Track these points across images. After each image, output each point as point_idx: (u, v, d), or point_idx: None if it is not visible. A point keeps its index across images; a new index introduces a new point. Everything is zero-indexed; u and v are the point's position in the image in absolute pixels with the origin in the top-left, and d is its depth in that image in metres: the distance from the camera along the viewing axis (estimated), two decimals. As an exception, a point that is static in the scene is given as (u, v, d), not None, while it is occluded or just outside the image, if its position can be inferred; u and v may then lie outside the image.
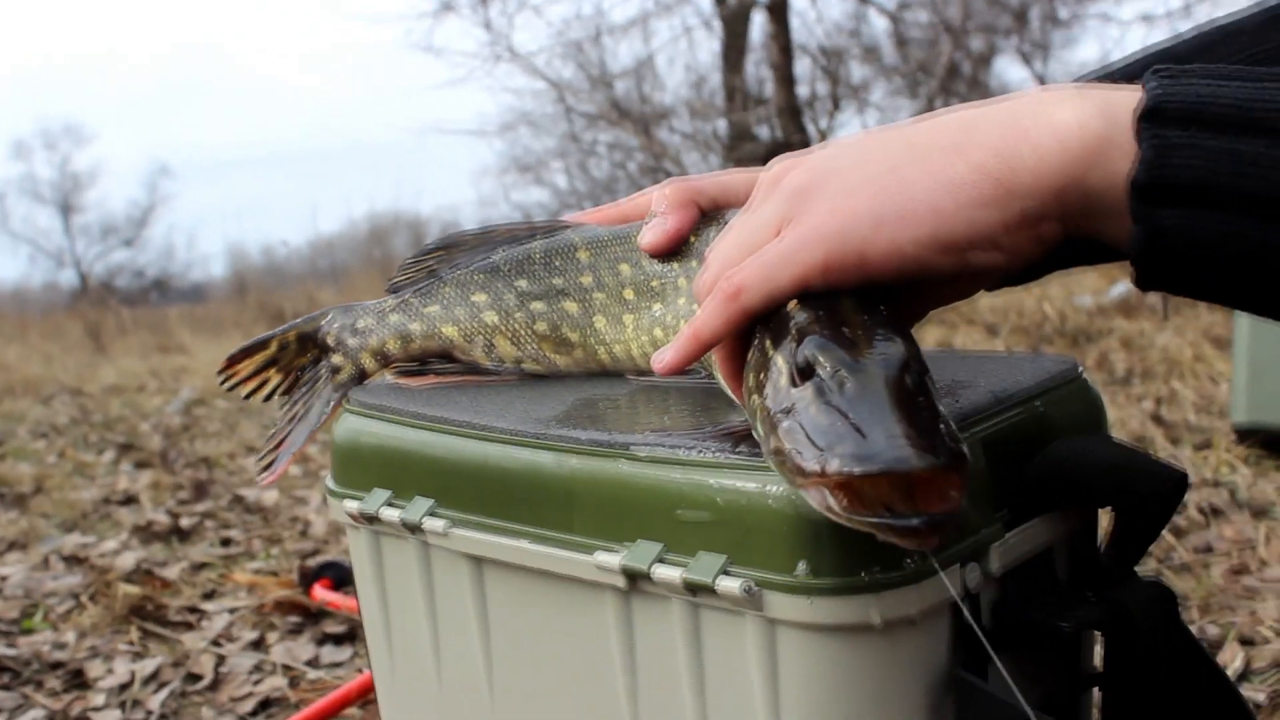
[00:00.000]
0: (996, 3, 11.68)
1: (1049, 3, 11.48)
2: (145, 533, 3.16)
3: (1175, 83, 0.68)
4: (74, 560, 2.92)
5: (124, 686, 2.14)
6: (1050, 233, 0.73)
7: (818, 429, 0.67)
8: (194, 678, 2.16)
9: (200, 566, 2.81)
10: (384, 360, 1.14)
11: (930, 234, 0.73)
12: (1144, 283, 0.71)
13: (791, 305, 0.77)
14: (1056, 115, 0.71)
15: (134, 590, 2.53)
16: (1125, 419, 3.19)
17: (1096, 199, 0.70)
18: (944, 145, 0.75)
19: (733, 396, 0.88)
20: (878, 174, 0.76)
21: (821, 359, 0.70)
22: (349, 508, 1.05)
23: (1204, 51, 1.00)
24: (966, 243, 0.73)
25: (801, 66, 11.67)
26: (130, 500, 3.65)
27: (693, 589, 0.79)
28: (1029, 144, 0.71)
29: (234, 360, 1.18)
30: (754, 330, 0.80)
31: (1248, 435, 2.76)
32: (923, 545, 0.63)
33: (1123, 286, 5.47)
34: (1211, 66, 0.70)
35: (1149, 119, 0.68)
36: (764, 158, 10.45)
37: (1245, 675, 1.73)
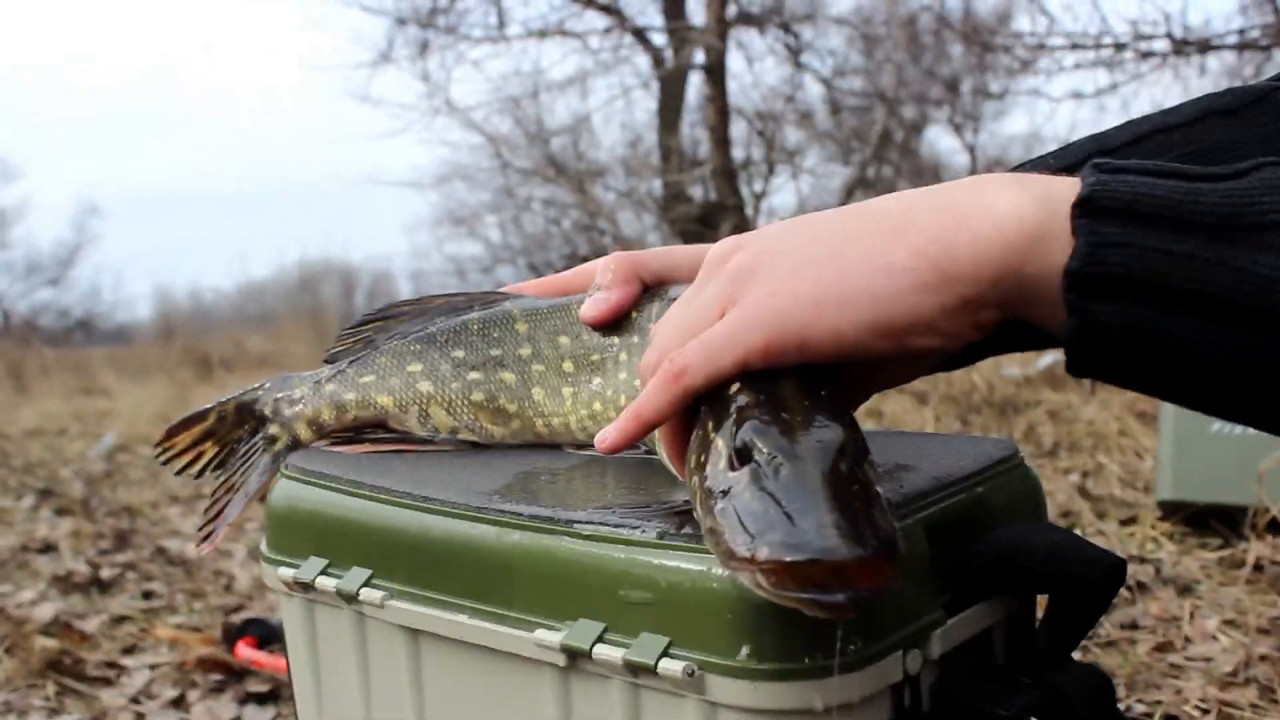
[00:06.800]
0: (929, 73, 11.87)
1: (980, 75, 11.68)
2: (64, 583, 3.09)
3: (1112, 178, 0.70)
4: (-12, 610, 2.85)
5: (38, 744, 2.09)
6: (988, 318, 0.75)
7: (751, 514, 0.67)
8: (111, 736, 2.11)
9: (120, 619, 2.75)
10: (319, 430, 1.14)
11: (870, 318, 0.74)
12: (1076, 370, 0.73)
13: (734, 387, 0.78)
14: (996, 204, 0.73)
15: (51, 643, 2.47)
16: (1052, 492, 3.22)
17: (1033, 287, 0.71)
18: (885, 230, 0.76)
19: (676, 473, 0.88)
20: (819, 257, 0.76)
21: (758, 444, 0.71)
22: (283, 575, 1.03)
23: (1135, 144, 1.02)
24: (905, 327, 0.74)
25: (737, 129, 11.80)
26: (49, 549, 3.57)
27: (634, 669, 0.78)
28: (968, 231, 0.72)
29: (173, 433, 1.17)
30: (697, 409, 0.81)
31: (1172, 511, 2.79)
32: (844, 617, 0.64)
33: (1049, 358, 5.53)
34: (1147, 163, 0.72)
35: (1086, 213, 0.69)
36: (698, 218, 10.55)
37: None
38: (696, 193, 11.55)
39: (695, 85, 11.99)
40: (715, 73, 11.12)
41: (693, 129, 12.38)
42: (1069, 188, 0.71)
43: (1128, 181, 0.70)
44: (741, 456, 0.72)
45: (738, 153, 11.77)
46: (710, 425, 0.77)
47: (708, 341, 0.78)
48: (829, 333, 0.75)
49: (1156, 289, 0.67)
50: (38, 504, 4.41)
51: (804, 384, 0.77)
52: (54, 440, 6.80)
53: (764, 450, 0.71)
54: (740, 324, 0.77)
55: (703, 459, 0.76)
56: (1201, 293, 0.67)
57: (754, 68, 14.46)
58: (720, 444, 0.75)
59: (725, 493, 0.71)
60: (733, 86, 11.52)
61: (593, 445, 0.89)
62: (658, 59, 12.11)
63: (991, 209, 0.73)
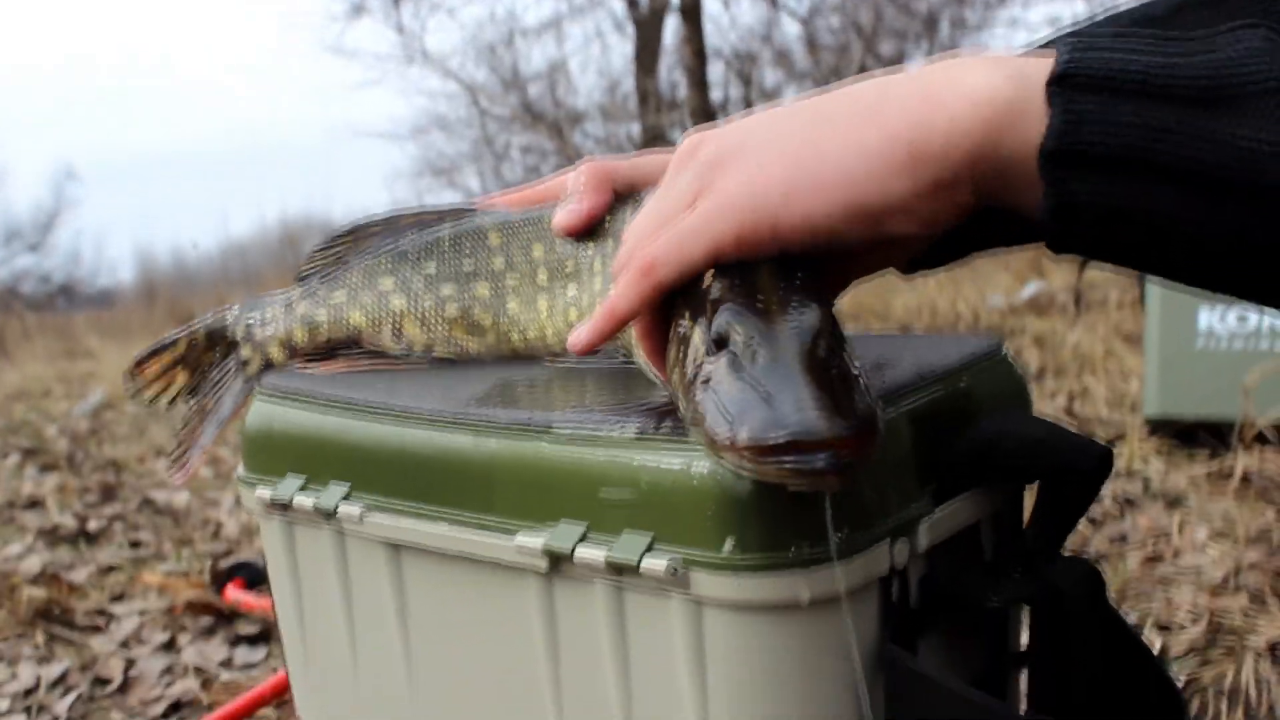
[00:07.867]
0: (906, 8, 11.80)
1: (958, 7, 11.61)
2: (51, 536, 3.08)
3: (1087, 50, 0.68)
4: (-24, 565, 2.84)
5: (29, 691, 2.08)
6: (964, 200, 0.73)
7: (729, 398, 0.67)
8: (102, 681, 2.11)
9: (109, 569, 2.74)
10: (292, 351, 1.12)
11: (843, 202, 0.73)
12: (1056, 246, 0.72)
13: (709, 276, 0.77)
14: (969, 82, 0.71)
15: (39, 593, 2.46)
16: (1040, 414, 3.22)
17: (1009, 165, 0.70)
18: (857, 114, 0.74)
19: (651, 374, 0.87)
20: (790, 144, 0.75)
21: (735, 329, 0.71)
22: (260, 495, 1.02)
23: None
24: (880, 210, 0.73)
25: (714, 70, 11.75)
26: (35, 504, 3.55)
27: (617, 569, 0.77)
28: (941, 111, 0.71)
29: (142, 362, 1.14)
30: (673, 303, 0.80)
31: (1159, 427, 2.80)
32: (824, 486, 0.64)
33: (1034, 286, 5.54)
34: (1124, 30, 0.70)
35: (1061, 85, 0.68)
36: (679, 160, 10.51)
37: (1163, 661, 1.74)
38: (676, 135, 11.50)
39: (672, 28, 11.93)
40: (691, 14, 11.06)
41: (670, 71, 12.32)
42: (1043, 63, 0.69)
43: (1102, 54, 0.68)
44: (718, 343, 0.71)
45: (716, 94, 11.74)
46: (687, 316, 0.77)
47: (678, 233, 0.77)
48: (801, 217, 0.73)
49: (1134, 161, 0.66)
50: (23, 462, 4.38)
51: (779, 271, 0.76)
52: (38, 402, 6.77)
53: (741, 334, 0.70)
54: (711, 213, 0.76)
55: (681, 350, 0.76)
56: (1179, 164, 0.65)
57: (730, 8, 14.38)
58: (698, 332, 0.74)
59: (704, 380, 0.70)
60: (709, 27, 11.46)
61: (569, 354, 0.88)
62: (633, 1, 12.02)
63: (964, 89, 0.71)
